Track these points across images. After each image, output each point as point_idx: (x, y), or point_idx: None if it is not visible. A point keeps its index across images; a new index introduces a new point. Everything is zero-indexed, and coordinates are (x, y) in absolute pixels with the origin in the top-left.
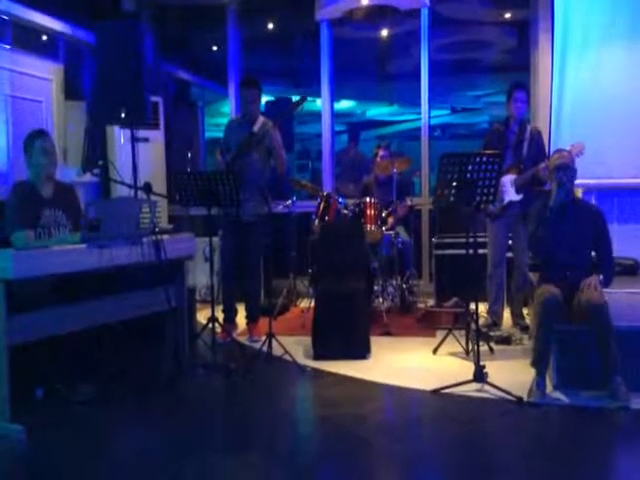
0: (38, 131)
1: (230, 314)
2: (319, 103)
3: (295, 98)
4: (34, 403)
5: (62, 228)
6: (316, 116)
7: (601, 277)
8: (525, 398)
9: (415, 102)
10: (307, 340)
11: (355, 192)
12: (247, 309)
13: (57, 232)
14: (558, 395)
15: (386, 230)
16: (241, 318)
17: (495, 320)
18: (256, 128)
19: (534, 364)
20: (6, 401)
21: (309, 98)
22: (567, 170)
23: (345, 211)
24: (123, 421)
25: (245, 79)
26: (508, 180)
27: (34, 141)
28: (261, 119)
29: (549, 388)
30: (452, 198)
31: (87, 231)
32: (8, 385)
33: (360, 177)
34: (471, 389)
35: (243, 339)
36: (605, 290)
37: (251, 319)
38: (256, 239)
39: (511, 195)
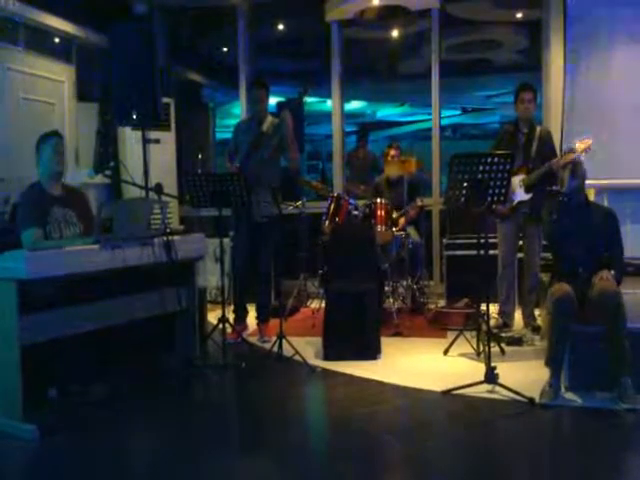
0: (51, 132)
1: (241, 314)
2: (329, 104)
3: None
4: (47, 403)
5: (72, 227)
6: (326, 117)
7: (613, 272)
8: (537, 399)
9: (426, 102)
10: (317, 341)
11: (366, 193)
12: (257, 309)
13: (67, 229)
14: (571, 396)
15: (397, 231)
16: (251, 318)
17: (506, 321)
18: (265, 128)
19: (548, 363)
20: (19, 401)
21: (321, 99)
22: (576, 162)
23: (355, 212)
24: (135, 421)
25: (253, 80)
26: (517, 180)
27: (46, 140)
28: (269, 119)
29: (562, 389)
30: (463, 199)
31: (99, 232)
32: (21, 385)
33: (371, 177)
34: (482, 390)
35: (254, 339)
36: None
37: (262, 319)
38: (268, 239)
39: (520, 195)
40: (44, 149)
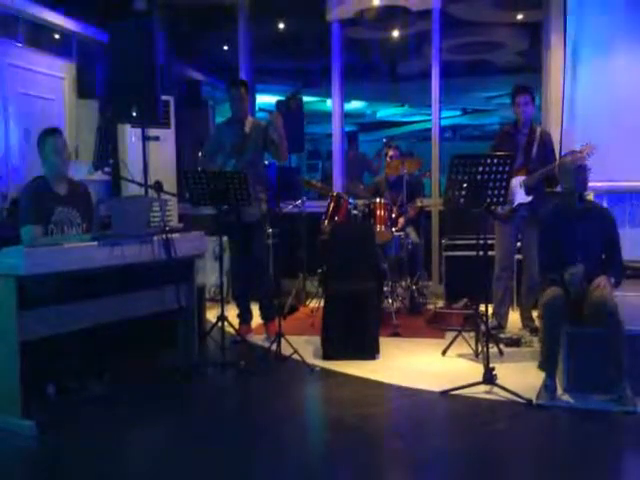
0: (50, 129)
1: (245, 316)
2: (329, 103)
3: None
4: (45, 400)
5: (75, 227)
6: (327, 116)
7: (612, 279)
8: (534, 400)
9: (426, 103)
10: (316, 340)
11: (365, 193)
12: (261, 309)
13: (70, 230)
14: (567, 398)
15: (396, 231)
16: (256, 317)
17: (499, 322)
18: (247, 129)
19: (542, 366)
20: (17, 397)
21: (321, 98)
22: (579, 174)
23: (355, 211)
24: (133, 418)
25: (232, 79)
26: (517, 182)
27: (45, 140)
28: (250, 119)
29: (559, 391)
30: (462, 200)
31: (98, 229)
32: (19, 381)
33: (361, 176)
34: (480, 391)
35: (260, 339)
36: (615, 293)
37: (267, 318)
38: (259, 238)
39: (521, 197)
40: (45, 149)
